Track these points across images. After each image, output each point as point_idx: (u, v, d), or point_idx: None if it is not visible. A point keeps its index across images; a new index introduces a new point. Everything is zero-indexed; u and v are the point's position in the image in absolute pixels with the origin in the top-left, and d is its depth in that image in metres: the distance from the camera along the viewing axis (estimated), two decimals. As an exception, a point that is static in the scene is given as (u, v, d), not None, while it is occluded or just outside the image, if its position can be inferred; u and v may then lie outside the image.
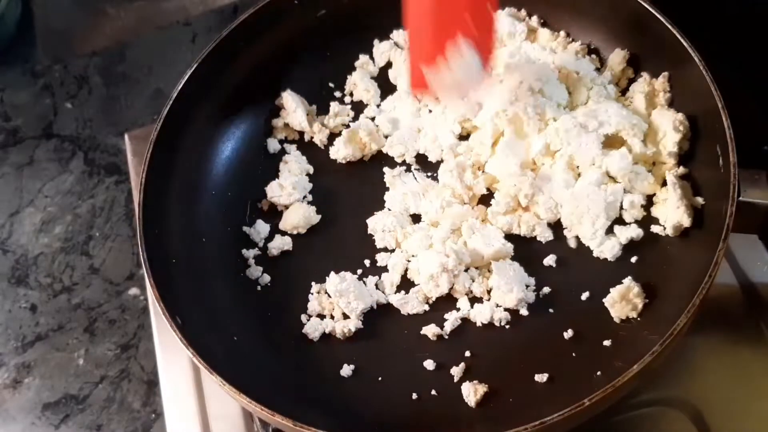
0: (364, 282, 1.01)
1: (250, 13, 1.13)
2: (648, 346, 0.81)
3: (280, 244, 1.06)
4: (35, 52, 1.54)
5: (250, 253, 1.06)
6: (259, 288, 1.04)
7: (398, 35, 1.19)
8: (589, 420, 0.87)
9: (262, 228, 1.08)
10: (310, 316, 1.00)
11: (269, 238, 1.07)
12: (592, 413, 0.81)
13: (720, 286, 1.00)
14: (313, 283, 1.02)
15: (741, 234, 0.89)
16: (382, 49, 1.19)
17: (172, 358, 1.11)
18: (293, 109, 1.15)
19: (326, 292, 1.01)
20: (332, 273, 1.01)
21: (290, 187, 1.09)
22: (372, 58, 1.19)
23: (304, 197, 1.10)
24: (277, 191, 1.09)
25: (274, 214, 1.09)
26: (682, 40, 0.95)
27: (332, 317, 1.00)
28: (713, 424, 0.94)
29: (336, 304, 0.99)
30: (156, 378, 1.13)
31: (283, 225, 1.08)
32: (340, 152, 1.11)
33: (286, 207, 1.09)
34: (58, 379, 1.20)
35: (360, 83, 1.16)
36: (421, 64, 0.94)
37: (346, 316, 0.99)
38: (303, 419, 0.83)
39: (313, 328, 0.99)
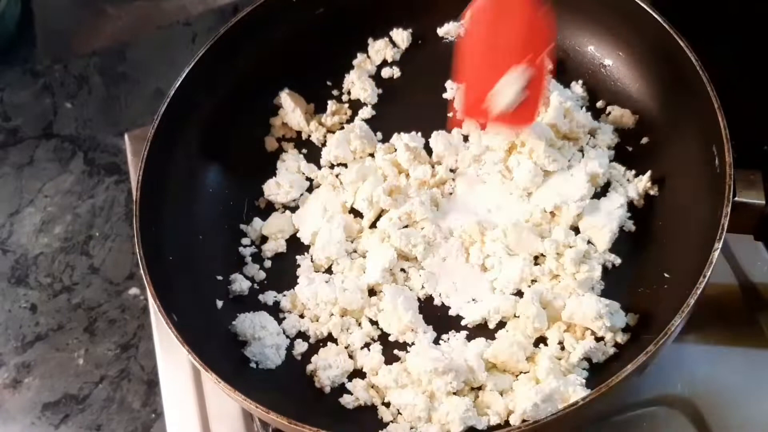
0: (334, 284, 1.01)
1: (248, 11, 1.13)
2: (642, 345, 0.81)
3: (274, 246, 1.07)
4: (35, 52, 1.54)
5: (246, 251, 1.06)
6: (255, 285, 1.04)
7: (396, 34, 1.19)
8: (588, 420, 0.87)
9: (259, 226, 1.08)
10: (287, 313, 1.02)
11: (263, 240, 1.08)
12: (587, 413, 0.81)
13: (720, 286, 1.00)
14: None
15: (738, 234, 0.89)
16: (377, 48, 1.19)
17: (172, 358, 1.11)
18: (291, 108, 1.15)
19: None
20: (302, 276, 1.02)
21: (287, 185, 1.09)
22: (369, 56, 1.19)
23: (301, 195, 1.10)
24: (274, 189, 1.10)
25: (271, 212, 1.10)
26: (678, 40, 0.95)
27: (310, 319, 1.01)
28: (713, 424, 0.94)
29: (306, 306, 1.00)
30: (156, 378, 1.13)
31: (266, 231, 1.08)
32: (331, 153, 1.11)
33: (284, 205, 1.10)
34: (58, 379, 1.20)
35: (357, 82, 1.16)
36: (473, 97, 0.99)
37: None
38: (298, 417, 0.83)
39: (290, 325, 0.99)
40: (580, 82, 1.10)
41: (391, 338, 0.97)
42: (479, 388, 0.91)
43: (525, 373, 0.91)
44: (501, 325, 0.96)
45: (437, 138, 1.08)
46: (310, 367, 0.96)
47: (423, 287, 0.99)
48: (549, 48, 0.93)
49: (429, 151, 1.09)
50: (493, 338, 0.94)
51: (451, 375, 0.88)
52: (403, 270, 1.01)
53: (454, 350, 0.93)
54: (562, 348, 0.92)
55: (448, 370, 0.88)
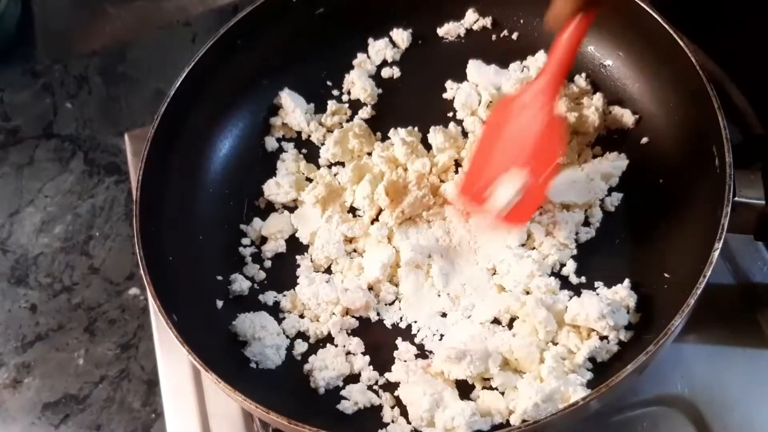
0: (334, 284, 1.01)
1: (248, 12, 1.13)
2: (642, 345, 0.81)
3: (274, 246, 1.06)
4: (35, 52, 1.54)
5: (246, 251, 1.06)
6: (255, 285, 1.04)
7: (396, 34, 1.19)
8: (588, 419, 0.87)
9: (259, 226, 1.08)
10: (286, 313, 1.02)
11: (263, 240, 1.08)
12: (587, 413, 0.81)
13: (719, 286, 1.00)
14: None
15: (737, 234, 0.89)
16: (377, 47, 1.19)
17: (172, 358, 1.10)
18: (291, 108, 1.15)
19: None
20: (302, 276, 1.02)
21: (287, 185, 1.09)
22: (369, 56, 1.19)
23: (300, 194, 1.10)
24: (274, 189, 1.10)
25: (271, 212, 1.10)
26: (678, 40, 0.95)
27: (310, 319, 1.01)
28: (713, 424, 0.94)
29: (306, 306, 1.00)
30: (156, 378, 1.13)
31: (265, 231, 1.08)
32: (329, 152, 1.11)
33: (283, 205, 1.09)
34: (58, 379, 1.20)
35: (357, 81, 1.16)
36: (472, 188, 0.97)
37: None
38: (298, 417, 0.83)
39: (290, 325, 0.99)
40: (584, 75, 1.10)
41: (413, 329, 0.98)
42: (483, 387, 0.91)
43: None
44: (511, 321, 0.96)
45: (435, 131, 1.08)
46: (306, 367, 0.96)
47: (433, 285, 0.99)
48: (554, 164, 0.93)
49: (428, 148, 1.09)
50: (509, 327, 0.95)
51: (472, 359, 0.89)
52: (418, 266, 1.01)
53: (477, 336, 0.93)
54: (569, 349, 0.92)
55: (468, 355, 0.89)
